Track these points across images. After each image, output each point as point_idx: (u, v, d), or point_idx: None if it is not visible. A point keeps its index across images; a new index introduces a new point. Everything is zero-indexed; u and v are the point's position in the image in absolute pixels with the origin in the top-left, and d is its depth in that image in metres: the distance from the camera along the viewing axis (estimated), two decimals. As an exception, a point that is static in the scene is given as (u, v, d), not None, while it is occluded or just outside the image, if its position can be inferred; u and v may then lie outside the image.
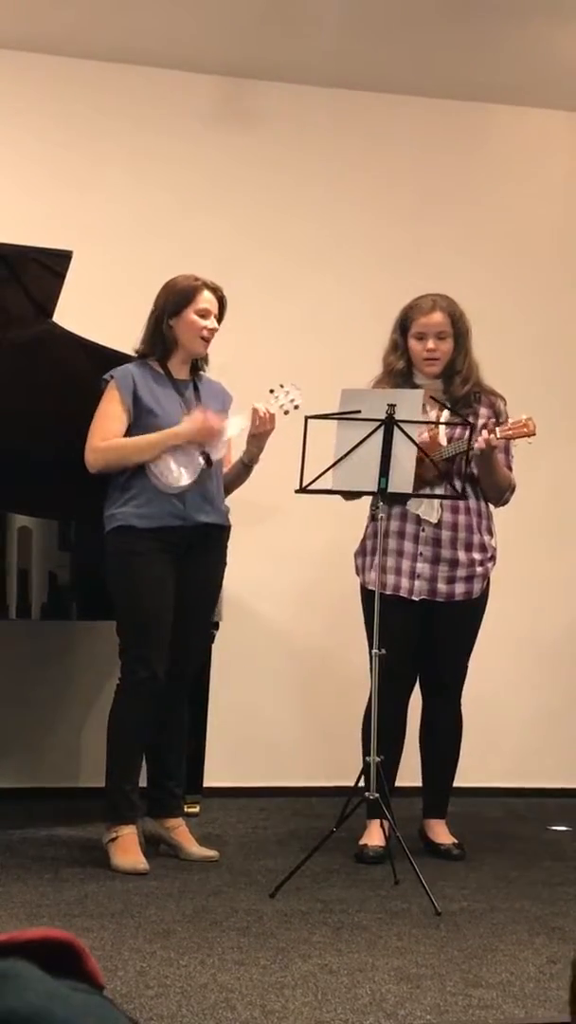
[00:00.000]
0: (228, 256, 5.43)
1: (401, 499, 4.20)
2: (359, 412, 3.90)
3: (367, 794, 3.93)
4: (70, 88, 5.45)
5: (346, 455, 3.91)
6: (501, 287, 5.78)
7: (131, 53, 5.41)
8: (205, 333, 4.17)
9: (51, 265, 4.22)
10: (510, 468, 4.38)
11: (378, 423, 3.88)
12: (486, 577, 4.38)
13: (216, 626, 4.82)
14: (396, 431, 3.88)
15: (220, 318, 4.23)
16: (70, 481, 4.31)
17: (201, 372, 4.31)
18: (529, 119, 5.89)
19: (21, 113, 5.41)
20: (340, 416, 3.94)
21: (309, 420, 3.84)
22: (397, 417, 3.87)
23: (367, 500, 4.38)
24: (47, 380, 4.46)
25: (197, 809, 4.84)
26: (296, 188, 5.67)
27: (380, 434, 3.88)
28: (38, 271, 4.24)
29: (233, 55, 5.41)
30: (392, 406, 3.88)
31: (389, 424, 3.87)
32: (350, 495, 4.22)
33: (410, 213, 5.75)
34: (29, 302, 4.32)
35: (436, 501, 4.25)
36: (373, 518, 4.33)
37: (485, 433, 4.13)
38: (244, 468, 4.26)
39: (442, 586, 4.29)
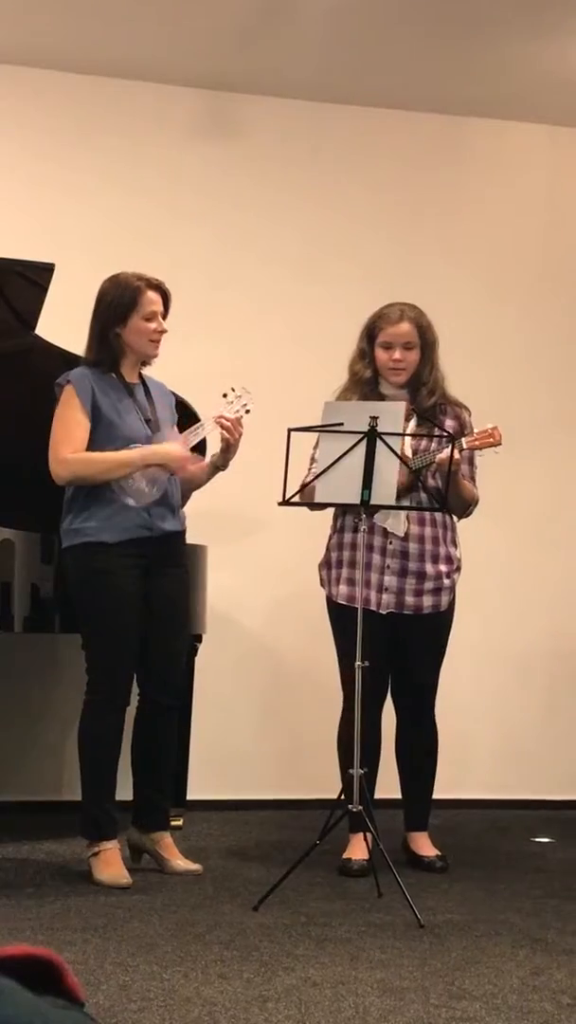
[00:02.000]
0: (214, 268, 5.45)
1: (369, 511, 4.18)
2: (342, 424, 3.90)
3: (350, 807, 3.92)
4: (56, 101, 5.46)
5: (329, 467, 3.90)
6: (484, 299, 5.80)
7: (117, 66, 5.42)
8: (155, 336, 4.08)
9: (33, 278, 4.22)
10: (473, 479, 4.37)
11: (361, 435, 3.87)
12: (452, 589, 4.37)
13: (199, 639, 4.81)
14: (378, 443, 3.88)
15: (166, 313, 4.13)
16: (53, 494, 4.30)
17: (143, 373, 4.22)
18: (510, 133, 5.93)
19: (7, 125, 5.42)
20: (323, 428, 3.94)
21: (292, 432, 3.83)
22: (380, 429, 3.87)
23: (330, 511, 4.37)
24: (30, 393, 4.45)
25: (180, 822, 4.83)
26: (281, 200, 5.69)
27: (363, 446, 3.87)
28: (20, 284, 4.24)
29: (219, 68, 5.43)
30: (375, 418, 3.87)
31: (372, 436, 3.87)
32: (316, 505, 4.19)
33: (393, 225, 5.78)
34: (11, 315, 4.32)
35: (403, 514, 4.24)
36: (340, 530, 4.33)
37: (443, 453, 4.11)
38: (215, 470, 4.22)
39: (410, 599, 4.28)
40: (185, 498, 4.30)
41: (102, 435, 4.00)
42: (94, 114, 5.52)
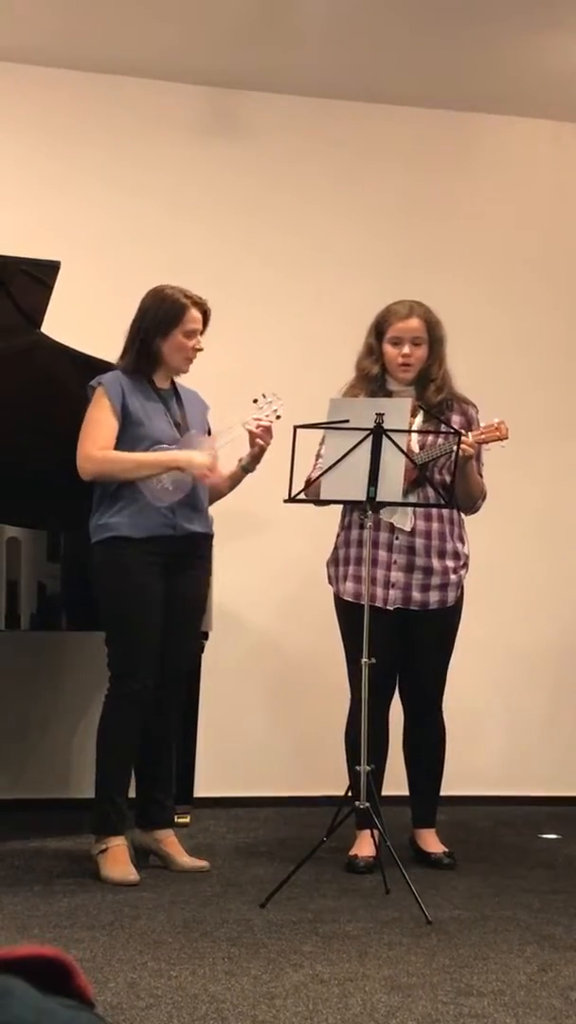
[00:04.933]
0: (217, 266, 5.44)
1: (375, 507, 4.19)
2: (347, 421, 3.90)
3: (357, 803, 3.92)
4: (60, 99, 5.46)
5: (335, 464, 3.90)
6: (488, 296, 5.79)
7: (121, 64, 5.42)
8: (191, 354, 4.18)
9: (39, 276, 4.22)
10: (480, 475, 4.38)
11: (367, 432, 3.87)
12: (460, 585, 4.38)
13: (205, 636, 4.82)
14: (384, 440, 3.88)
15: (203, 331, 4.23)
16: (58, 492, 4.31)
17: (176, 381, 4.29)
18: (516, 128, 5.91)
19: (11, 124, 5.42)
20: (329, 425, 3.94)
21: (297, 429, 3.84)
22: (385, 426, 3.87)
23: (337, 508, 4.38)
24: (35, 391, 4.46)
25: (188, 819, 4.83)
26: (284, 198, 5.68)
27: (369, 443, 3.88)
28: (26, 282, 4.24)
29: (222, 65, 5.42)
30: (380, 415, 3.88)
31: (378, 433, 3.87)
32: (324, 502, 4.20)
33: (398, 222, 5.77)
34: (17, 313, 4.32)
35: (409, 509, 4.25)
36: (348, 527, 4.33)
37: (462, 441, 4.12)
38: (244, 473, 4.28)
39: (416, 594, 4.29)
40: (212, 501, 4.34)
41: (130, 435, 4.10)
42: (97, 112, 5.51)
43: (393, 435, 3.87)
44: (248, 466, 4.25)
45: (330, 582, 4.41)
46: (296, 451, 3.80)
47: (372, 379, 4.33)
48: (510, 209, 5.91)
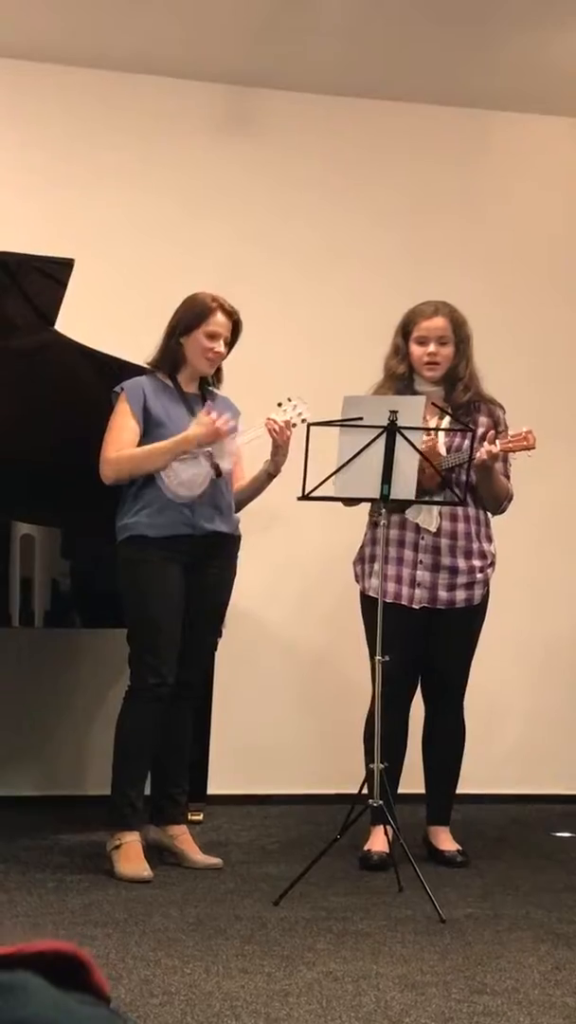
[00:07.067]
0: (229, 263, 5.44)
1: (400, 506, 4.20)
2: (361, 419, 3.91)
3: (371, 801, 3.92)
4: (73, 96, 5.46)
5: (348, 462, 3.91)
6: (500, 295, 5.78)
7: (133, 61, 5.41)
8: (210, 355, 4.21)
9: (53, 273, 4.23)
10: (507, 476, 4.38)
11: (380, 430, 3.88)
12: (486, 583, 4.38)
13: (219, 633, 4.82)
14: (398, 438, 3.88)
15: (233, 342, 4.26)
16: (71, 488, 4.31)
17: (211, 388, 4.34)
18: (529, 125, 5.89)
19: (24, 121, 5.42)
20: (342, 423, 3.94)
21: (311, 427, 3.84)
22: (399, 424, 3.87)
23: (365, 506, 4.38)
24: (49, 388, 4.46)
25: (201, 816, 4.83)
26: (297, 195, 5.67)
27: (382, 441, 3.88)
28: (40, 279, 4.25)
29: (236, 63, 5.42)
30: (394, 413, 3.88)
31: (391, 431, 3.87)
32: (351, 501, 4.23)
33: (410, 220, 5.76)
34: (31, 310, 4.32)
35: (435, 509, 4.25)
36: (374, 525, 4.34)
37: (487, 444, 4.13)
38: (268, 478, 4.29)
39: (443, 593, 4.29)
40: (240, 506, 4.35)
41: (152, 437, 4.15)
42: (110, 109, 5.50)
43: (407, 433, 3.87)
44: (270, 468, 4.26)
45: (357, 580, 4.41)
46: (310, 449, 3.79)
47: (399, 378, 4.35)
48: (527, 208, 5.89)
